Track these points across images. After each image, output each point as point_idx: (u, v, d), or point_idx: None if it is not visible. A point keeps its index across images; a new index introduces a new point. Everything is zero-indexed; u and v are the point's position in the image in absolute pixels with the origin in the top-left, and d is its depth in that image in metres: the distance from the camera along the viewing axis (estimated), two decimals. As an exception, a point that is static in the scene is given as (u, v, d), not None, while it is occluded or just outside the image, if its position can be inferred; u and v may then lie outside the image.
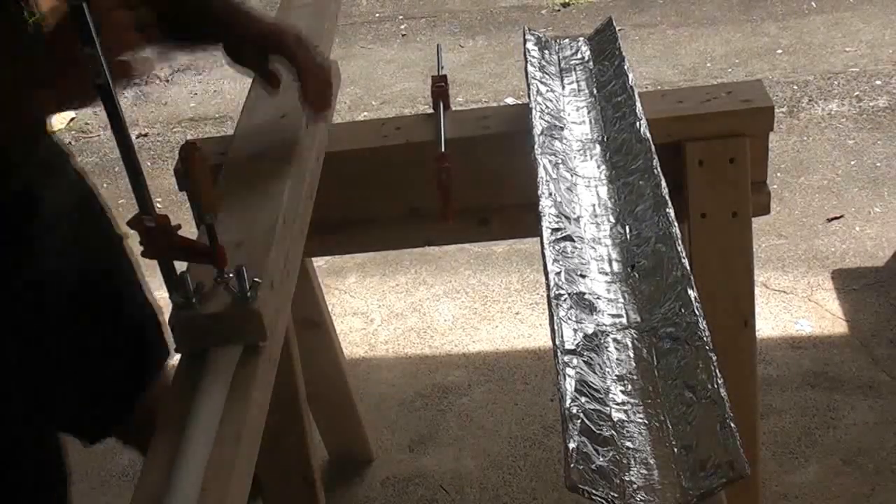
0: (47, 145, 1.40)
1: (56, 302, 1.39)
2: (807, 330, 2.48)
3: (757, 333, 1.68)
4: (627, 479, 0.88)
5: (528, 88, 1.56)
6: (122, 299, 1.56)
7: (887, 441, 2.14)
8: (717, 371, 0.94)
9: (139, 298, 1.60)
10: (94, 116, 3.97)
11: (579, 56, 1.70)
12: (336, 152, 1.58)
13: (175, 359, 1.12)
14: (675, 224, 1.17)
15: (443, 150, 1.57)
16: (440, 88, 1.68)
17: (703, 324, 1.01)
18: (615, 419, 0.95)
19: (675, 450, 0.91)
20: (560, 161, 1.38)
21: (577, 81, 1.64)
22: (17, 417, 1.36)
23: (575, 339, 1.04)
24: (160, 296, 1.34)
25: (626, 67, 1.54)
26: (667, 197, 1.21)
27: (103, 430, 1.62)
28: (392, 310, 2.77)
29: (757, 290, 1.70)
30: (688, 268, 1.09)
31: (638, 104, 1.43)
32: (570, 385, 0.96)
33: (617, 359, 1.04)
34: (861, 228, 2.82)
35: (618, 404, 0.97)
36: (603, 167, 1.39)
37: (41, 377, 1.41)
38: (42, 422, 1.42)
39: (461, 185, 1.64)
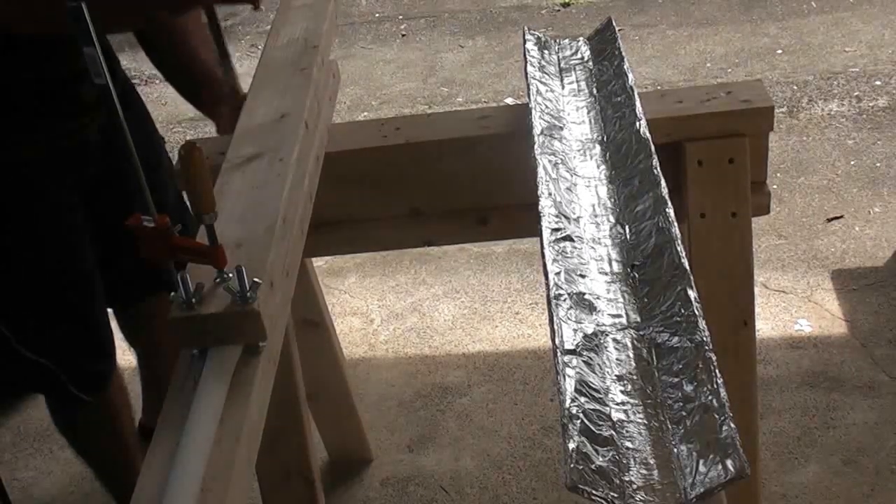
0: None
1: (119, 167, 1.67)
2: (806, 330, 2.48)
3: (757, 333, 1.68)
4: (627, 479, 0.88)
5: (528, 88, 1.56)
6: (169, 189, 1.82)
7: (887, 441, 2.14)
8: (717, 371, 0.94)
9: (177, 196, 1.84)
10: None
11: (579, 56, 1.70)
12: (336, 152, 1.58)
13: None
14: (675, 224, 1.17)
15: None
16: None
17: (702, 324, 1.01)
18: (615, 419, 0.95)
19: (675, 450, 0.91)
20: (560, 161, 1.38)
21: (577, 81, 1.64)
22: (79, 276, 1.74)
23: (575, 339, 1.04)
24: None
25: (625, 67, 1.54)
26: (666, 197, 1.21)
27: (133, 297, 1.97)
28: (392, 310, 2.77)
29: (757, 290, 1.70)
30: (687, 268, 1.09)
31: (637, 104, 1.43)
32: (569, 385, 0.96)
33: (616, 359, 1.04)
34: (861, 228, 2.82)
35: (617, 404, 0.97)
36: (602, 167, 1.39)
37: (101, 237, 1.77)
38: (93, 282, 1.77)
39: (461, 185, 1.65)
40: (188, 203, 1.10)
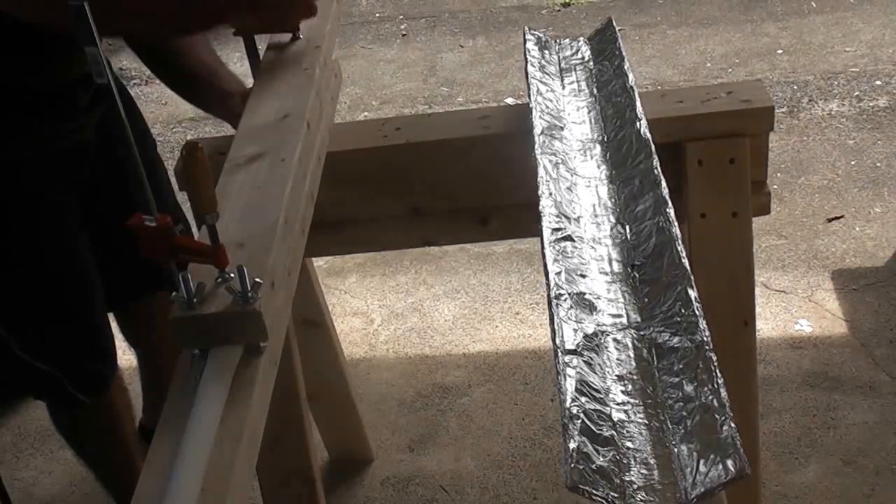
0: None
1: (116, 167, 1.72)
2: (807, 330, 2.48)
3: (757, 333, 1.68)
4: (627, 479, 0.88)
5: (528, 88, 1.56)
6: (164, 189, 1.84)
7: (887, 441, 2.14)
8: (717, 371, 0.94)
9: (172, 197, 1.85)
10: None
11: (579, 56, 1.70)
12: (336, 152, 1.58)
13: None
14: (675, 224, 1.17)
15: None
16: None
17: (703, 324, 1.01)
18: (615, 419, 0.95)
19: (675, 450, 0.91)
20: (560, 161, 1.38)
21: (578, 81, 1.64)
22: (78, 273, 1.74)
23: (575, 339, 1.04)
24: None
25: (626, 67, 1.54)
26: (667, 197, 1.22)
27: (132, 297, 1.96)
28: (392, 310, 2.77)
29: (757, 290, 1.70)
30: (688, 268, 1.09)
31: (638, 104, 1.43)
32: (570, 385, 0.96)
33: (617, 359, 1.04)
34: (861, 228, 2.82)
35: (618, 404, 0.97)
36: (603, 167, 1.40)
37: (96, 235, 1.77)
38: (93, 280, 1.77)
39: (461, 185, 1.65)
40: (189, 203, 1.10)
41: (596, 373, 1.00)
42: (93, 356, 1.83)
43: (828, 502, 2.03)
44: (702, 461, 0.87)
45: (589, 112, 1.54)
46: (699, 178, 1.56)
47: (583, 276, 1.16)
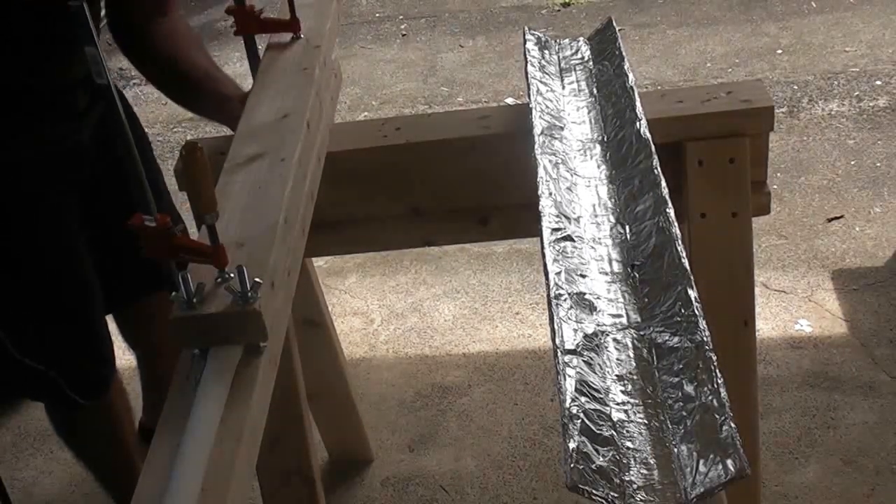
0: None
1: (114, 169, 1.70)
2: (807, 330, 2.48)
3: (757, 333, 1.68)
4: (627, 478, 0.88)
5: (528, 88, 1.56)
6: (160, 189, 1.85)
7: (887, 441, 2.14)
8: (717, 371, 0.94)
9: (167, 196, 1.88)
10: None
11: (579, 56, 1.70)
12: (336, 152, 1.58)
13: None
14: (675, 224, 1.17)
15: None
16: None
17: (702, 324, 1.01)
18: (615, 419, 0.95)
19: (675, 450, 0.91)
20: (560, 161, 1.38)
21: (578, 81, 1.64)
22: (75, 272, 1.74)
23: (575, 339, 1.04)
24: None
25: (626, 67, 1.54)
26: (667, 197, 1.22)
27: (131, 297, 1.95)
28: (392, 310, 2.77)
29: (757, 290, 1.70)
30: (688, 268, 1.09)
31: (638, 104, 1.43)
32: (570, 385, 0.96)
33: (617, 359, 1.04)
34: (861, 228, 2.82)
35: (618, 404, 0.97)
36: (603, 167, 1.40)
37: (94, 233, 1.77)
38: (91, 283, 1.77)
39: (461, 185, 1.65)
40: (189, 203, 1.10)
41: (596, 373, 1.00)
42: (91, 358, 1.82)
43: (828, 502, 2.03)
44: (702, 461, 0.87)
45: (589, 112, 1.54)
46: (699, 178, 1.56)
47: (583, 276, 1.16)
